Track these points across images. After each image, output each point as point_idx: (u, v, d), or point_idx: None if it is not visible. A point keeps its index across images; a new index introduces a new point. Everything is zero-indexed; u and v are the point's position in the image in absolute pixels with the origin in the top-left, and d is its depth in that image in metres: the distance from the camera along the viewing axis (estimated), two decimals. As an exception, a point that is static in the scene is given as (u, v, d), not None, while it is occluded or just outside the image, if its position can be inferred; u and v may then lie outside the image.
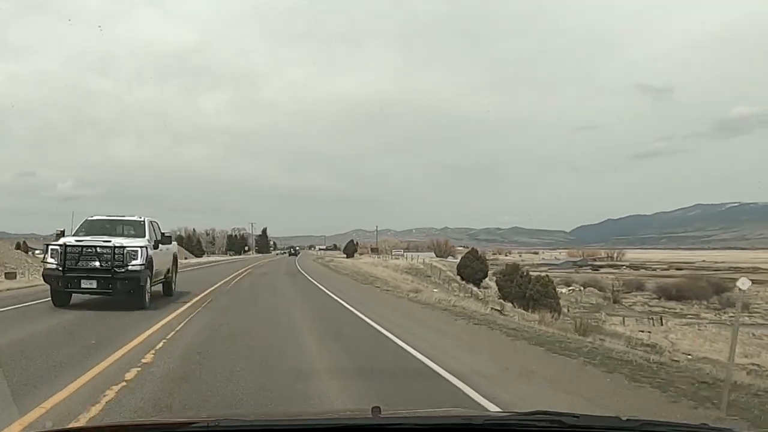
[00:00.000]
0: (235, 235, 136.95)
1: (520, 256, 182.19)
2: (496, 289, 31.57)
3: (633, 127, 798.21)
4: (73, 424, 4.24)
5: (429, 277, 34.67)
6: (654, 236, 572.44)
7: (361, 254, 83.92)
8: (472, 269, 36.98)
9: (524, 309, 24.07)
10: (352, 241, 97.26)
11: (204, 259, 74.93)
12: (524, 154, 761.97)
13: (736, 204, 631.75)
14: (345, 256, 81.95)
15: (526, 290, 26.17)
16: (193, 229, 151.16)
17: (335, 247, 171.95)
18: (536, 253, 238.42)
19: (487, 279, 38.01)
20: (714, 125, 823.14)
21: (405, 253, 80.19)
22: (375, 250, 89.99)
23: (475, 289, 33.35)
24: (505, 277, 29.56)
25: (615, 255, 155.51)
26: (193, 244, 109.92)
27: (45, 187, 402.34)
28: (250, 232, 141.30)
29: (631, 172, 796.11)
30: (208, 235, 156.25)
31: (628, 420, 1.93)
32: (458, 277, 37.70)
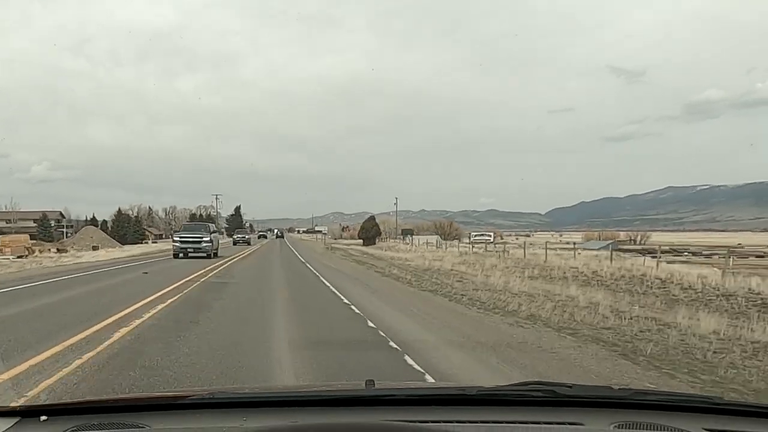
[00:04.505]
0: (200, 215, 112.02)
1: (517, 238, 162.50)
2: None
3: (606, 110, 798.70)
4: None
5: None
6: (627, 218, 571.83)
7: (383, 240, 59.48)
8: None
9: None
10: (372, 218, 65.49)
11: (120, 253, 37.55)
12: (500, 137, 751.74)
13: (706, 187, 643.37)
14: (362, 243, 57.10)
15: None
16: (149, 207, 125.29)
17: (314, 230, 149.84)
18: (529, 236, 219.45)
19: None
20: (685, 109, 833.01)
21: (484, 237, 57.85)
22: (409, 233, 65.49)
23: None
24: None
25: (639, 237, 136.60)
26: (127, 224, 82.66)
27: (19, 169, 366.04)
28: (217, 209, 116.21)
29: (604, 154, 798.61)
30: (167, 214, 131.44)
31: (620, 389, 1.93)
32: None
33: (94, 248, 50.68)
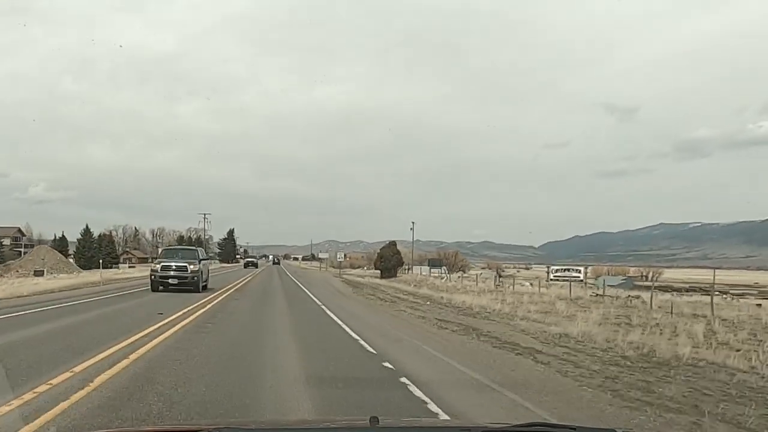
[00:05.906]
0: (189, 237, 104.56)
1: (518, 271, 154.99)
2: None
3: (600, 146, 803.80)
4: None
5: None
6: (620, 254, 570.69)
7: (404, 272, 51.22)
8: None
9: None
10: (393, 244, 53.67)
11: (62, 282, 30.13)
12: (495, 169, 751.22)
13: (698, 224, 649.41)
14: (379, 274, 48.73)
15: None
16: (135, 228, 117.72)
17: (313, 257, 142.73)
18: (528, 268, 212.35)
19: None
20: (677, 146, 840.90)
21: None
22: (437, 265, 57.20)
23: None
24: None
25: (651, 274, 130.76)
26: (98, 245, 73.17)
27: (17, 189, 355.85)
28: (205, 230, 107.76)
29: (598, 189, 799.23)
30: (154, 236, 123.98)
31: None
32: None
33: (37, 274, 42.02)
